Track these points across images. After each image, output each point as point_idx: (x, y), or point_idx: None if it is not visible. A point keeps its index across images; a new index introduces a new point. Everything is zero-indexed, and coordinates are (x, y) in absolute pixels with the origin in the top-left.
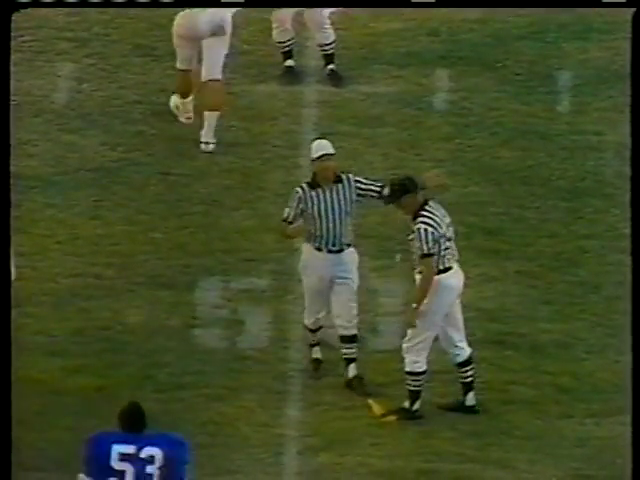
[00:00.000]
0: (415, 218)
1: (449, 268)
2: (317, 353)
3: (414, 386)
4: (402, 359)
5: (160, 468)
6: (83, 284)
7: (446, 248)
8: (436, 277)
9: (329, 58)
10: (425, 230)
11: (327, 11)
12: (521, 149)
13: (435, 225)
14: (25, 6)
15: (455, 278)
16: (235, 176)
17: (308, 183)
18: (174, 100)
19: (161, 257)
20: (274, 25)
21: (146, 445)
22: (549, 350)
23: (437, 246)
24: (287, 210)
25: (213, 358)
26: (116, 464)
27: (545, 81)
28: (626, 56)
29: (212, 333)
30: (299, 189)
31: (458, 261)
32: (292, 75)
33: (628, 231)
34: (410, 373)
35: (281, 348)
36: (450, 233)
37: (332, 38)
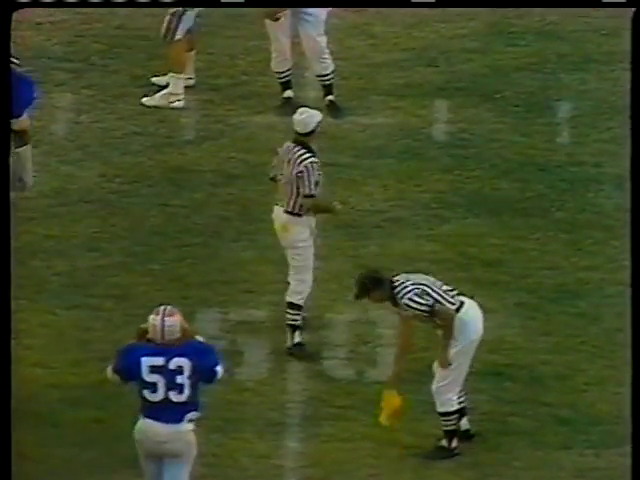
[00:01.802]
0: (395, 301)
1: (462, 303)
2: (298, 337)
3: (450, 425)
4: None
5: (190, 377)
6: (82, 316)
7: (445, 291)
8: (456, 316)
9: (328, 89)
10: (416, 295)
11: (325, 41)
12: (521, 180)
13: (416, 283)
14: (25, 6)
15: (472, 309)
16: (234, 207)
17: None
18: (163, 92)
19: (160, 288)
20: (273, 55)
21: (174, 356)
22: (548, 381)
23: (435, 294)
24: (311, 187)
25: (211, 389)
26: (147, 376)
27: (544, 112)
28: (625, 87)
29: None
30: (316, 159)
31: (465, 295)
32: (291, 106)
33: (628, 263)
34: (444, 414)
35: (280, 379)
36: (434, 280)
37: (331, 69)
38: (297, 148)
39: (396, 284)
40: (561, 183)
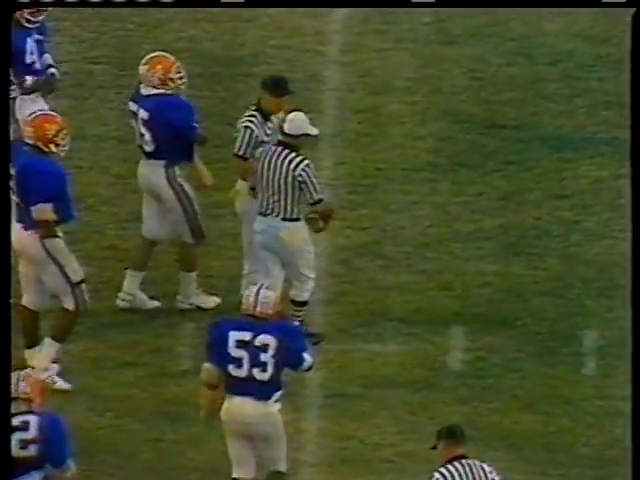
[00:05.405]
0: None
1: None
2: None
3: None
4: None
5: (274, 356)
6: None
7: None
8: None
9: None
10: None
11: None
12: (543, 414)
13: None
14: (25, 6)
15: None
16: None
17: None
18: None
19: None
20: None
21: (261, 333)
22: None
23: None
24: (318, 191)
25: None
26: (233, 351)
27: (568, 341)
28: None
29: None
30: (308, 161)
31: None
32: None
33: None
34: None
35: None
36: None
37: None
38: (283, 150)
39: (457, 463)
40: (586, 417)
